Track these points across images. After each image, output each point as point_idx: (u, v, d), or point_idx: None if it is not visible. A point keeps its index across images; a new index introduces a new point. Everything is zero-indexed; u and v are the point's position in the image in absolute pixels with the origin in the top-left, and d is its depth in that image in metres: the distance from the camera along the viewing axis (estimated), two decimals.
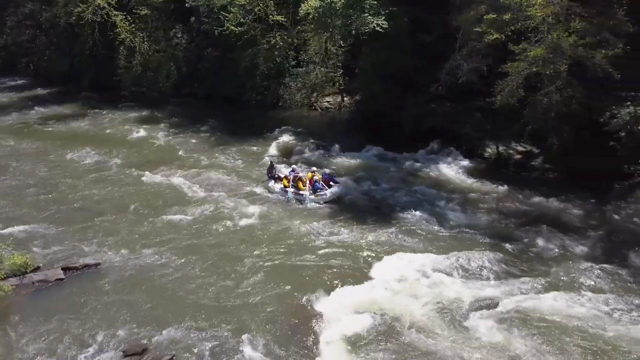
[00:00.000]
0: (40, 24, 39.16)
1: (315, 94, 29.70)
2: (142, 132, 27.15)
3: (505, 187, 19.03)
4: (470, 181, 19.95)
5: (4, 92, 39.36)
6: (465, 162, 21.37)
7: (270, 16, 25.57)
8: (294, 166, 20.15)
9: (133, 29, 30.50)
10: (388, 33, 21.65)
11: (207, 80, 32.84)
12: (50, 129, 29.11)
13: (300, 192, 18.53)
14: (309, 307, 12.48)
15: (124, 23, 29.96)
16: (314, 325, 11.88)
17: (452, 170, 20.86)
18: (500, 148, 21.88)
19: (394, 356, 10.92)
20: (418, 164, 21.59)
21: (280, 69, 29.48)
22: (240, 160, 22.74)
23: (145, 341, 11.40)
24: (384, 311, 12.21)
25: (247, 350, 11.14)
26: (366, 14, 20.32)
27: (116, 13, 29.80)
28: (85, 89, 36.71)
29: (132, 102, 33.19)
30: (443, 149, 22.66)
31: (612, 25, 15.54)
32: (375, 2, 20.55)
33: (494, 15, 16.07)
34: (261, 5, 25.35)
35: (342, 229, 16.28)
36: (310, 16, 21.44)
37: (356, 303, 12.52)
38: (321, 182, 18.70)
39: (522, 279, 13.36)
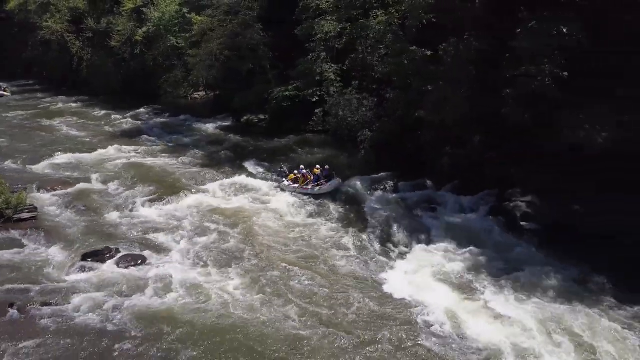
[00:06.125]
0: (48, 42, 57.87)
1: (192, 90, 45.59)
2: (70, 106, 44.14)
3: (233, 134, 33.95)
4: (218, 130, 35.37)
5: (16, 88, 58.22)
6: (229, 123, 36.69)
7: (135, 36, 42.00)
8: (302, 166, 24.31)
9: (82, 46, 47.88)
10: None
11: (138, 80, 49.39)
12: (17, 105, 46.53)
13: (306, 185, 22.97)
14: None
15: (75, 42, 47.43)
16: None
17: (215, 126, 36.24)
18: (252, 116, 36.61)
19: None
20: (201, 124, 36.90)
21: (169, 71, 45.46)
22: (107, 121, 38.82)
23: None
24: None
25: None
26: (170, 36, 36.16)
27: (69, 35, 47.33)
28: (69, 87, 54.54)
29: (89, 94, 50.17)
30: (228, 118, 37.80)
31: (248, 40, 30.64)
32: (177, 29, 36.35)
33: (186, 35, 31.77)
34: (129, 30, 41.93)
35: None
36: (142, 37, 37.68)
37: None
38: (322, 176, 22.99)
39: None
